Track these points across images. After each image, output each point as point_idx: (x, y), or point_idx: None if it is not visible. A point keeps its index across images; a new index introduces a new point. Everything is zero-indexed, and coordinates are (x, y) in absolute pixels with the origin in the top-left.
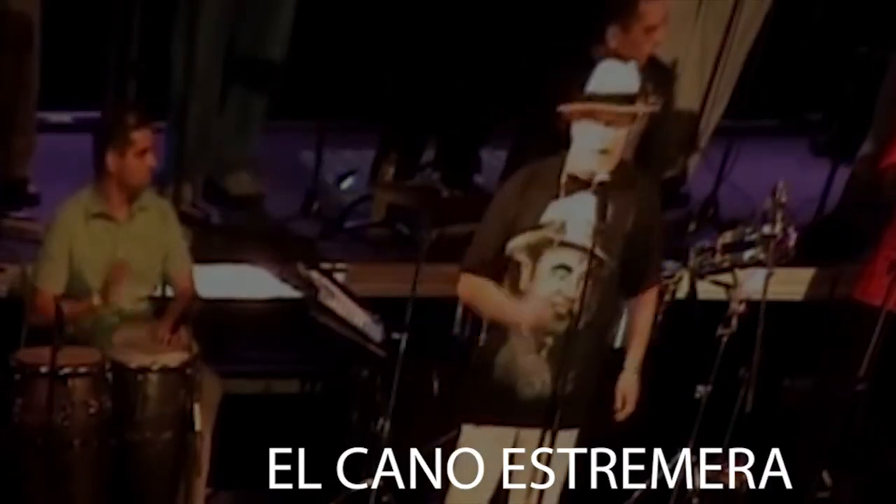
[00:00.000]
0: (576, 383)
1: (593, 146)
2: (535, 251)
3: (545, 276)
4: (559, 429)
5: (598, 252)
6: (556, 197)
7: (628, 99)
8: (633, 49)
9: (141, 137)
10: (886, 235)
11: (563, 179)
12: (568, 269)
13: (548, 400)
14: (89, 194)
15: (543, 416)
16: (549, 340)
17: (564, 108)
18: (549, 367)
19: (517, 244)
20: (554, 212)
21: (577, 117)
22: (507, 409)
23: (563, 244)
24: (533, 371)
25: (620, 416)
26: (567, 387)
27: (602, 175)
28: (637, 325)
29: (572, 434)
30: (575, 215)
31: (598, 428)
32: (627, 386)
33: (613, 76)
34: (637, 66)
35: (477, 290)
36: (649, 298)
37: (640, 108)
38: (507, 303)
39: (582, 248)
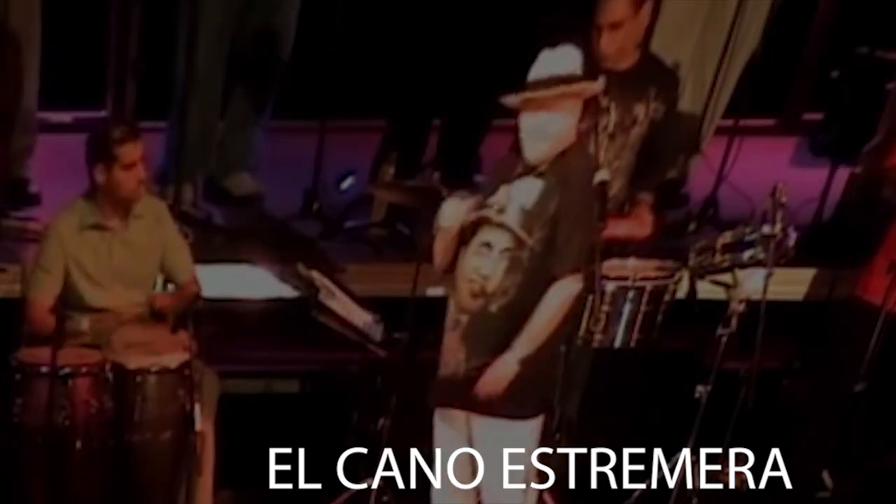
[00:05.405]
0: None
1: (536, 132)
2: (474, 228)
3: (472, 251)
4: (504, 416)
5: (520, 232)
6: (509, 181)
7: (568, 81)
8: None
9: (126, 152)
10: (888, 235)
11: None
12: (489, 246)
13: (461, 380)
14: (83, 204)
15: (458, 398)
16: (464, 319)
17: (507, 101)
18: (464, 346)
19: (463, 218)
20: (500, 194)
21: (522, 107)
22: (432, 389)
23: (498, 225)
24: (449, 349)
25: (480, 394)
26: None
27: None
28: (535, 311)
29: (527, 425)
30: (514, 199)
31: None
32: (499, 372)
33: (551, 62)
34: (577, 49)
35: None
36: (563, 287)
37: (576, 87)
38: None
39: (510, 230)
